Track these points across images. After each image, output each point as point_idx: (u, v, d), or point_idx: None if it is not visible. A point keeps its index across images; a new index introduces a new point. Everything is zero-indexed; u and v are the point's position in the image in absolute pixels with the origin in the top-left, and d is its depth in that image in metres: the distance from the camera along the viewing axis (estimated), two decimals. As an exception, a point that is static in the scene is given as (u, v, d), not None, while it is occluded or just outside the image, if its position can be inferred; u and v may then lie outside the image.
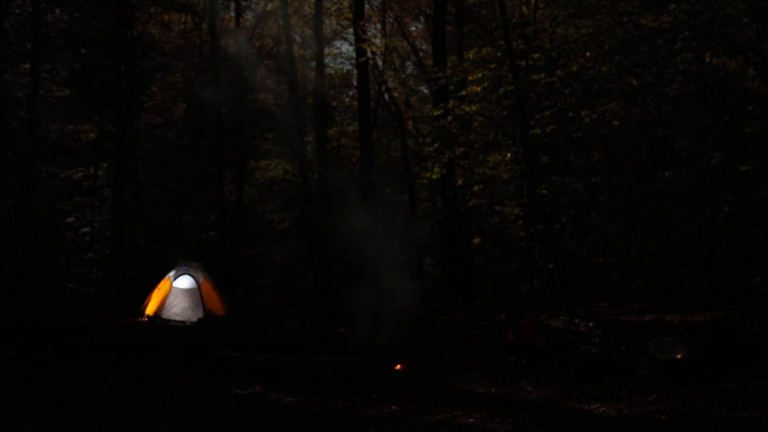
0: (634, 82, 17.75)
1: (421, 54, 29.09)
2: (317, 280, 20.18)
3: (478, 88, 17.38)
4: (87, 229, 21.28)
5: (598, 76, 17.19)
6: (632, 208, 17.58)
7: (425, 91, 30.53)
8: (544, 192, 16.71)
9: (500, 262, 24.65)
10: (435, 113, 19.36)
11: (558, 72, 17.03)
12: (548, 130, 16.52)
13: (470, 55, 17.83)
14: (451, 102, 18.21)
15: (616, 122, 17.05)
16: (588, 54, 17.11)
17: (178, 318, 14.19)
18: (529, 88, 16.81)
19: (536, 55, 17.20)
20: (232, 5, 25.18)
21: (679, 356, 8.66)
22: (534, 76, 16.94)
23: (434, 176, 19.86)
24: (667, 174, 17.85)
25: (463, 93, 18.92)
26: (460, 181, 20.57)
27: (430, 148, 18.90)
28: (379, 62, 26.02)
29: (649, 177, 18.21)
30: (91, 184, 21.95)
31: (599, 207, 18.82)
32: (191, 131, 24.14)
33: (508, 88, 16.38)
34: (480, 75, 17.25)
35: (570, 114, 17.04)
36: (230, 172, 24.02)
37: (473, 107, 17.43)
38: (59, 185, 21.20)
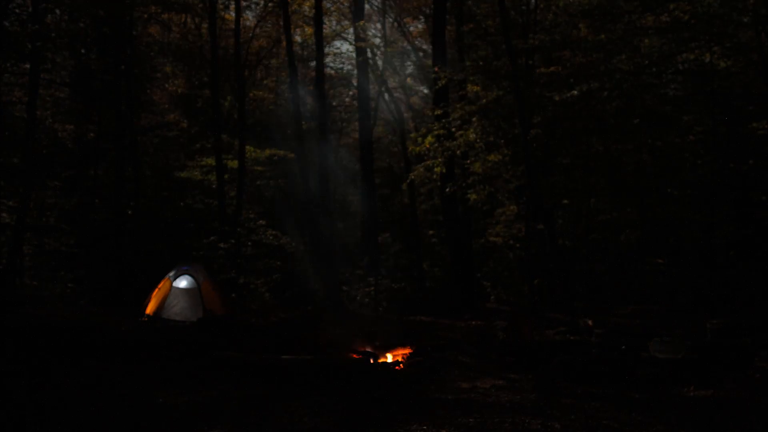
0: (634, 82, 17.73)
1: (421, 54, 29.10)
2: (321, 280, 20.17)
3: (477, 87, 17.40)
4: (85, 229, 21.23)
5: (597, 75, 17.18)
6: (632, 208, 17.58)
7: (425, 91, 30.56)
8: (544, 192, 16.73)
9: (500, 262, 24.63)
10: (436, 113, 19.35)
11: (553, 69, 17.02)
12: (548, 129, 16.53)
13: (469, 62, 17.98)
14: (453, 106, 18.21)
15: (613, 120, 17.09)
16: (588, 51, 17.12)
17: (178, 318, 14.16)
18: (530, 87, 16.81)
19: (534, 55, 17.24)
20: (232, 5, 25.15)
21: (679, 356, 8.67)
22: (535, 72, 16.95)
23: (437, 168, 19.76)
24: (667, 173, 17.85)
25: (463, 93, 18.92)
26: (459, 181, 20.56)
27: (420, 148, 18.89)
28: (379, 62, 26.03)
29: (649, 176, 18.21)
30: (91, 184, 21.90)
31: (599, 206, 18.82)
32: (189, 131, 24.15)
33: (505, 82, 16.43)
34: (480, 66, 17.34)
35: (567, 116, 17.05)
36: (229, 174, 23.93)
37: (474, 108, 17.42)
38: (59, 185, 21.17)
